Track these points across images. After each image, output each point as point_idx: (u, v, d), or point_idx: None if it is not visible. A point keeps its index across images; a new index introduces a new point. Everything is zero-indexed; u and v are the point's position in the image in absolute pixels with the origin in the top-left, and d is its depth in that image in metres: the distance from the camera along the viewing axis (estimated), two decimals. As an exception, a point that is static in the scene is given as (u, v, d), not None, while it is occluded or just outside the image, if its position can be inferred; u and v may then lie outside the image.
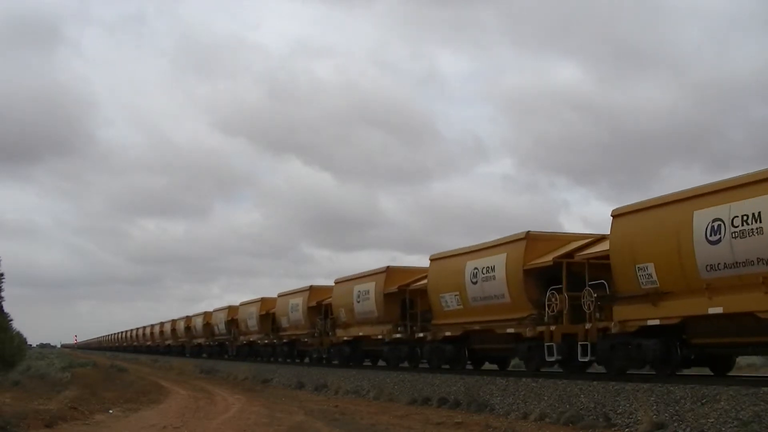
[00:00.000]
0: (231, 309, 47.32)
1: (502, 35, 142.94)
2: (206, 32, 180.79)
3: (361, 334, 28.70)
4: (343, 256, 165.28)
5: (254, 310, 42.02)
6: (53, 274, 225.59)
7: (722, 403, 12.53)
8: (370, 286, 27.56)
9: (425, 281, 24.66)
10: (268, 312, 40.40)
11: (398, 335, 25.92)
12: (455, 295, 22.25)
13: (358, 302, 28.38)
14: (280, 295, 38.28)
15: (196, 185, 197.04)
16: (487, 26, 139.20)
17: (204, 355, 54.88)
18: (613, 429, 13.61)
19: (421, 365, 26.01)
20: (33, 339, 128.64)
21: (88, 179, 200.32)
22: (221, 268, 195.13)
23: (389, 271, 26.96)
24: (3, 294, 29.16)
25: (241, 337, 44.88)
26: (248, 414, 17.92)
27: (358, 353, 30.62)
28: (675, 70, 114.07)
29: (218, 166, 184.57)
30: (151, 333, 76.43)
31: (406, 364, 26.51)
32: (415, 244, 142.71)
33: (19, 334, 41.18)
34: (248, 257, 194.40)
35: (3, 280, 28.82)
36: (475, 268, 21.31)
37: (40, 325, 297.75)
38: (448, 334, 22.91)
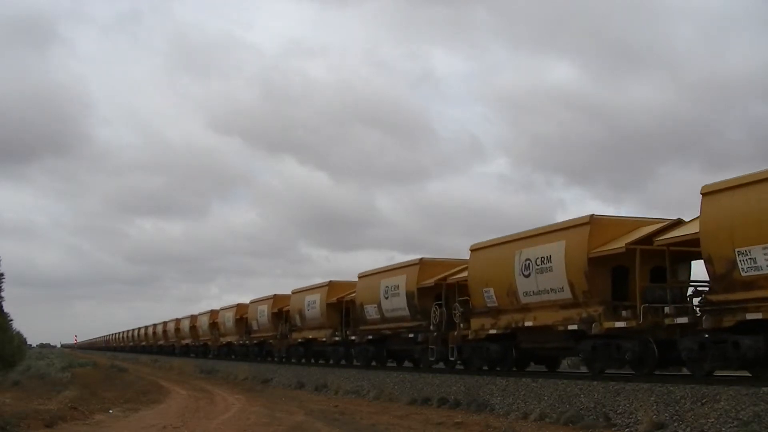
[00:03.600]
0: (240, 307, 44.99)
1: (497, 34, 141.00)
2: (200, 32, 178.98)
3: (389, 332, 26.36)
4: (341, 255, 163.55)
5: (265, 307, 39.66)
6: (51, 274, 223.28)
7: (722, 403, 12.32)
8: (401, 280, 25.21)
9: (464, 274, 22.39)
10: (280, 310, 38.07)
11: (433, 333, 23.60)
12: (503, 289, 19.97)
13: (386, 298, 26.04)
14: (294, 292, 35.94)
15: (193, 185, 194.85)
16: (481, 25, 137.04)
17: (210, 355, 52.43)
18: (613, 429, 13.53)
19: (456, 367, 23.68)
20: (33, 339, 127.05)
21: (84, 179, 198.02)
22: (219, 268, 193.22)
23: (423, 264, 24.60)
24: (3, 294, 29.50)
25: (251, 337, 42.56)
26: (248, 414, 17.83)
27: (384, 354, 28.32)
28: (671, 69, 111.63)
29: (214, 165, 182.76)
30: (162, 331, 73.26)
31: (441, 366, 24.20)
32: (412, 243, 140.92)
33: (19, 334, 40.27)
34: (246, 257, 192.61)
35: (3, 280, 29.04)
36: (527, 259, 19.07)
37: (40, 325, 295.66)
38: (493, 332, 20.64)
